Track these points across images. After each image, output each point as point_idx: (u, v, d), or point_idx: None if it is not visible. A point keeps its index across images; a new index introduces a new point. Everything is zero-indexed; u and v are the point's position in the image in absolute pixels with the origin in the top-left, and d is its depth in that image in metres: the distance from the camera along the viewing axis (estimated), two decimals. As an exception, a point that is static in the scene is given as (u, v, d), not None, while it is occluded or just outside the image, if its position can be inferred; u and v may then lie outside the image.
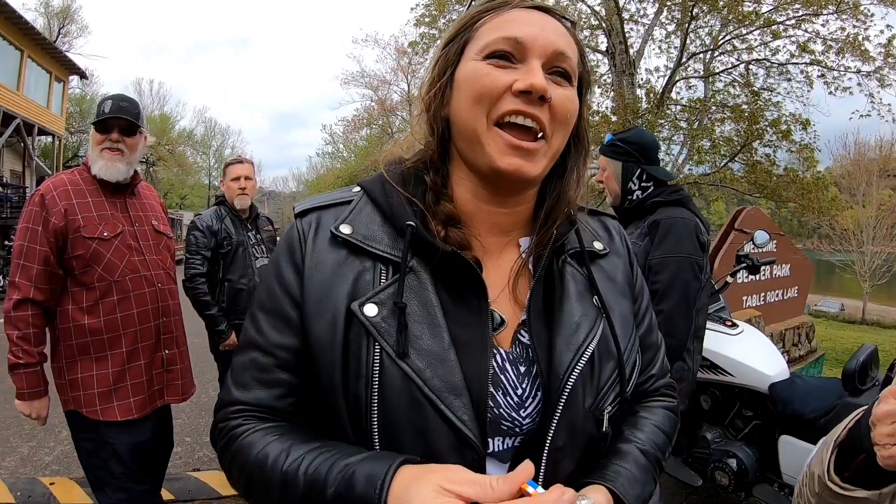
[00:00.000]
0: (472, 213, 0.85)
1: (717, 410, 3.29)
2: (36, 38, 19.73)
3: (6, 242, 13.86)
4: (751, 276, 5.54)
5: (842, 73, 11.05)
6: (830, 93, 11.28)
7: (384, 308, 0.76)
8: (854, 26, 10.53)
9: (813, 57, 11.10)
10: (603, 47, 12.17)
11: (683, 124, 11.50)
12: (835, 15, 10.55)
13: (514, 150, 0.76)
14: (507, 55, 0.76)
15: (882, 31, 10.48)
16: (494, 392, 0.79)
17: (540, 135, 0.77)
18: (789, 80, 11.64)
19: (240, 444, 0.79)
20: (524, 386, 0.81)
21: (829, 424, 2.84)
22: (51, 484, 3.69)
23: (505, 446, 0.81)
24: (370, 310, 0.76)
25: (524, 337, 0.84)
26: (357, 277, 0.79)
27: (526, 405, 0.81)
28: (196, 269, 3.48)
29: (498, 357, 0.81)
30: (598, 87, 12.29)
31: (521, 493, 0.62)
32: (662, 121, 10.98)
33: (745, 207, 6.16)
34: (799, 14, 10.81)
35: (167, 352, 2.38)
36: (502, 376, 0.80)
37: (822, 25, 10.87)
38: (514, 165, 0.76)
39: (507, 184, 0.81)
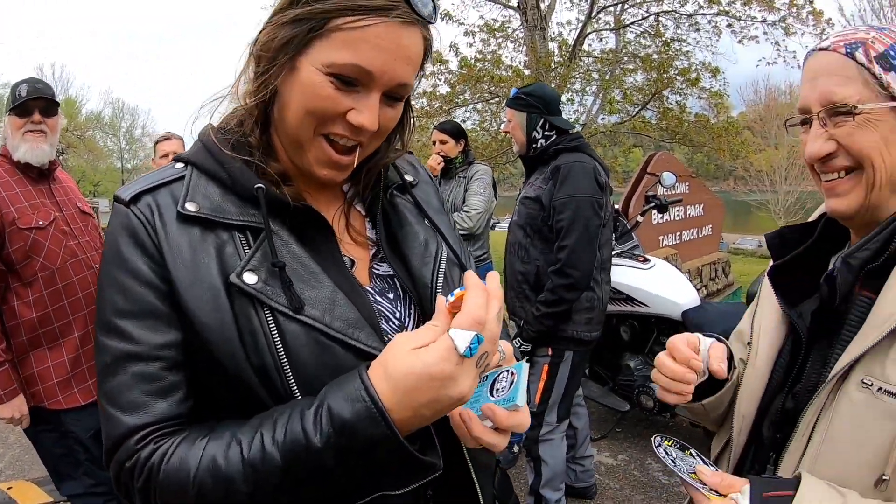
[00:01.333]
0: (298, 170, 0.87)
1: (637, 340, 3.55)
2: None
3: None
4: (665, 217, 5.86)
5: (749, 22, 11.55)
6: (739, 41, 11.80)
7: (261, 272, 0.76)
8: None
9: (720, 7, 11.51)
10: (514, 3, 12.19)
11: (595, 76, 11.79)
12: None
13: (332, 164, 0.81)
14: (352, 81, 0.75)
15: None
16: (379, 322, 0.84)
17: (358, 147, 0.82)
18: (698, 30, 12.07)
19: (168, 469, 0.71)
20: (399, 309, 0.88)
21: (737, 343, 3.13)
22: (8, 489, 3.65)
23: None
24: (250, 278, 0.75)
25: (380, 269, 0.90)
26: (219, 252, 0.77)
27: (406, 325, 0.88)
28: None
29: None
30: (511, 43, 12.41)
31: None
32: (575, 73, 11.23)
33: (656, 153, 6.47)
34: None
35: None
36: (379, 307, 0.86)
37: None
38: (329, 176, 0.82)
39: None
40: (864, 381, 0.81)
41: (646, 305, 3.31)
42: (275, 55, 0.77)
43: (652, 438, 0.99)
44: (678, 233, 6.42)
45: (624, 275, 3.34)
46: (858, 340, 0.82)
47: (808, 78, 0.89)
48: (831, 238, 0.98)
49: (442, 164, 3.57)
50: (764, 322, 1.03)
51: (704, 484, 0.87)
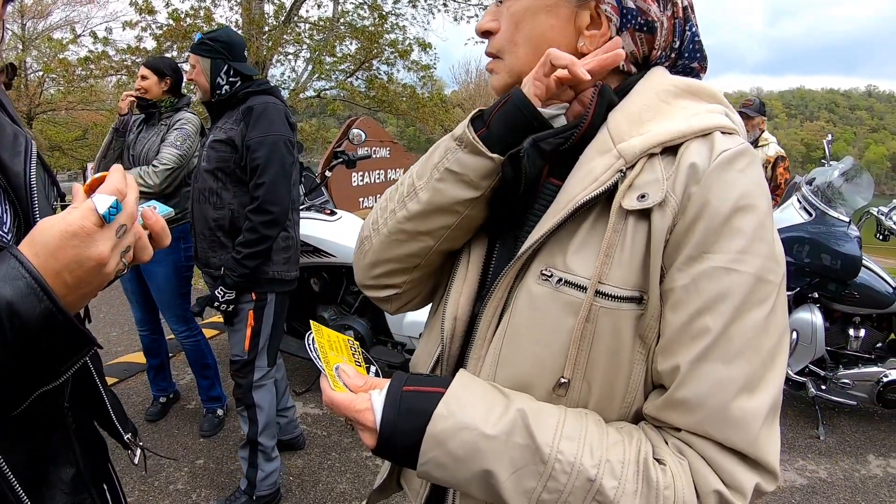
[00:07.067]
0: None
1: (329, 290, 3.69)
2: None
3: None
4: (366, 179, 6.17)
5: (464, 4, 12.49)
6: (455, 20, 12.74)
7: None
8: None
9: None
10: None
11: (308, 41, 11.79)
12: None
13: None
14: None
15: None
16: None
17: None
18: (415, 6, 12.66)
19: None
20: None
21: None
22: None
23: None
24: None
25: None
26: None
27: (4, 222, 0.80)
28: None
29: None
30: (227, 1, 11.73)
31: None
32: (288, 36, 11.08)
33: (359, 117, 6.74)
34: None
35: None
36: None
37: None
38: None
39: None
40: (544, 272, 0.73)
41: (334, 256, 3.44)
42: None
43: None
44: (378, 195, 6.81)
45: (311, 227, 3.44)
46: (538, 229, 0.74)
47: None
48: None
49: (129, 102, 3.08)
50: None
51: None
